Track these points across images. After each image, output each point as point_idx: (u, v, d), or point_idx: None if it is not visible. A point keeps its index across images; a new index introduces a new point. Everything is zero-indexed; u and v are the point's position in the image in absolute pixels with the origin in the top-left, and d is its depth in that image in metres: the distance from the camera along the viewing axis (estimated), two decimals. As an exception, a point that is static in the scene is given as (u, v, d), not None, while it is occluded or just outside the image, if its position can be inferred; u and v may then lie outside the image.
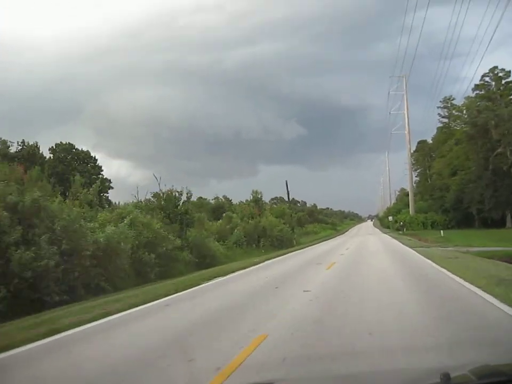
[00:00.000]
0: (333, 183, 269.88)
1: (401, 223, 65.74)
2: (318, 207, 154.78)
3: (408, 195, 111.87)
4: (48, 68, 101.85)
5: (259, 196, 53.53)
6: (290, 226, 55.24)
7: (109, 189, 51.01)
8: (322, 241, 59.36)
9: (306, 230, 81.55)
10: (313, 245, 50.63)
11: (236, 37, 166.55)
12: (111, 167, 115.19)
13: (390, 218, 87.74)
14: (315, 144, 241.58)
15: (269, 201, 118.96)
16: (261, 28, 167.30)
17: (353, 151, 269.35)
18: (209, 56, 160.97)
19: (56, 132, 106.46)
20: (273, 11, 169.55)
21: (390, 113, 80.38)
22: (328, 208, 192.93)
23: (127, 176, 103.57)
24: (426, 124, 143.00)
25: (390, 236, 56.79)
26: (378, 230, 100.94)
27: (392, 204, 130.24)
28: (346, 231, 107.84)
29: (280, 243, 45.60)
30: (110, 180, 51.99)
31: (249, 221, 43.19)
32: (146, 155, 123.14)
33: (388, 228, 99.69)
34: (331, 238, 68.45)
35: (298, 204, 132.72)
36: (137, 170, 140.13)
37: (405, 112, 75.08)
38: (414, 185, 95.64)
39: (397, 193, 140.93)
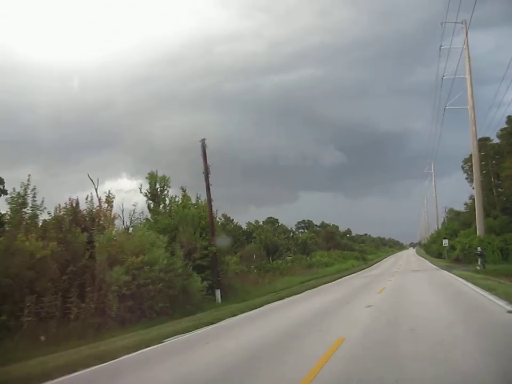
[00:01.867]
0: (372, 210, 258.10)
1: (479, 250, 34.42)
2: (352, 233, 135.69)
3: (459, 215, 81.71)
4: (89, 94, 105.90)
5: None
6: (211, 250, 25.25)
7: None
8: (320, 285, 30.65)
9: (311, 261, 52.35)
10: (288, 297, 23.66)
11: (273, 63, 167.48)
12: None
13: (445, 242, 57.30)
14: (354, 170, 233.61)
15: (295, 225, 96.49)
16: (299, 54, 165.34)
17: (394, 177, 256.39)
18: (246, 82, 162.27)
19: (95, 160, 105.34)
20: (311, 38, 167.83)
21: (442, 77, 50.71)
22: (366, 234, 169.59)
23: None
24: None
25: (465, 280, 25.24)
26: (424, 260, 70.81)
27: (439, 227, 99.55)
28: (378, 262, 77.90)
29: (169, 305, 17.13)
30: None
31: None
32: (184, 181, 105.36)
33: (439, 256, 69.46)
34: (344, 276, 39.66)
35: (316, 227, 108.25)
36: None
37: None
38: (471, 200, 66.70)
39: (445, 215, 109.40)
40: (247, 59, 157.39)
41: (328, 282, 32.26)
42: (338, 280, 35.39)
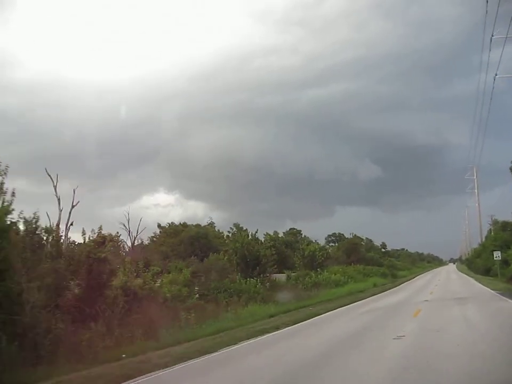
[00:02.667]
0: (410, 224, 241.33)
1: None
2: (388, 247, 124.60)
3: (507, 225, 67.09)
4: (127, 110, 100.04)
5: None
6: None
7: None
8: (274, 331, 17.54)
9: (316, 279, 39.48)
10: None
11: (308, 77, 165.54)
12: (187, 209, 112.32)
13: (496, 255, 43.56)
14: (391, 185, 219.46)
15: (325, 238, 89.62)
16: (334, 68, 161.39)
17: (432, 191, 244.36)
18: (281, 96, 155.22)
19: (132, 175, 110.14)
20: (346, 52, 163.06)
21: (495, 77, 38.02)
22: (403, 249, 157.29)
23: (204, 217, 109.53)
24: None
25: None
26: (469, 277, 57.03)
27: (483, 240, 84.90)
28: (410, 280, 64.16)
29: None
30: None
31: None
32: (221, 196, 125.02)
33: (486, 273, 55.43)
34: (342, 307, 26.36)
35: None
36: (213, 212, 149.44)
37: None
38: None
39: (490, 226, 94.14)
40: (283, 73, 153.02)
41: (294, 324, 18.88)
42: (321, 316, 21.93)
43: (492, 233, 74.42)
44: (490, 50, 40.06)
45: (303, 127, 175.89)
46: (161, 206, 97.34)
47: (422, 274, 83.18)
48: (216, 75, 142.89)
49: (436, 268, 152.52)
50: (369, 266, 64.29)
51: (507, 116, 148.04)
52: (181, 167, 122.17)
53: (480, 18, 71.76)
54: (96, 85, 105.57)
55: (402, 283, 55.14)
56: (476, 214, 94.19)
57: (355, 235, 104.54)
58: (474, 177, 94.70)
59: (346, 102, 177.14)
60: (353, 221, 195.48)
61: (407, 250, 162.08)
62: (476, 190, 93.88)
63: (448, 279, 58.29)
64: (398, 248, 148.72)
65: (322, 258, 47.05)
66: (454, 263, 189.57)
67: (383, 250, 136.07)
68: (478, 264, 71.24)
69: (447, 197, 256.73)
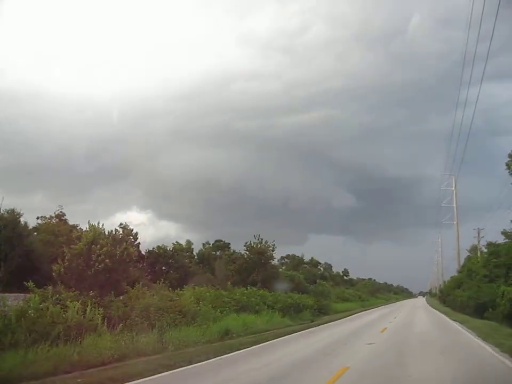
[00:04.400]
0: (381, 255, 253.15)
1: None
2: (354, 276, 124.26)
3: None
4: (105, 126, 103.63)
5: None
6: None
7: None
8: None
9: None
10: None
11: (290, 104, 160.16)
12: (160, 228, 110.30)
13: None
14: (365, 215, 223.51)
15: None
16: (316, 96, 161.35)
17: (405, 223, 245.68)
18: (261, 121, 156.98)
19: (105, 192, 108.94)
20: (330, 81, 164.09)
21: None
22: (370, 278, 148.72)
23: (176, 238, 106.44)
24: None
25: None
26: (448, 319, 31.70)
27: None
28: (335, 322, 37.15)
29: None
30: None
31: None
32: (196, 218, 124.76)
33: (478, 314, 29.93)
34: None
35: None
36: (187, 233, 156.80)
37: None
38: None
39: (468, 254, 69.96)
40: (265, 99, 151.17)
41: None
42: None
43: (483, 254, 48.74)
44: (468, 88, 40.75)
45: (281, 153, 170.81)
46: (133, 225, 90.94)
47: (374, 310, 56.35)
48: (197, 96, 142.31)
49: (402, 301, 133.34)
50: (282, 292, 37.45)
51: (481, 154, 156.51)
52: (155, 186, 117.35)
53: (459, 55, 57.53)
54: (76, 99, 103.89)
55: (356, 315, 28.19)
56: (448, 245, 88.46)
57: (312, 258, 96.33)
58: (453, 188, 71.41)
59: (325, 131, 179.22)
60: (325, 249, 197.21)
61: (374, 280, 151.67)
62: (455, 214, 71.18)
63: (411, 322, 31.57)
64: (365, 278, 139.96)
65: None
66: (424, 296, 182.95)
67: (344, 278, 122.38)
68: (459, 298, 45.44)
69: (420, 230, 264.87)
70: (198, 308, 22.20)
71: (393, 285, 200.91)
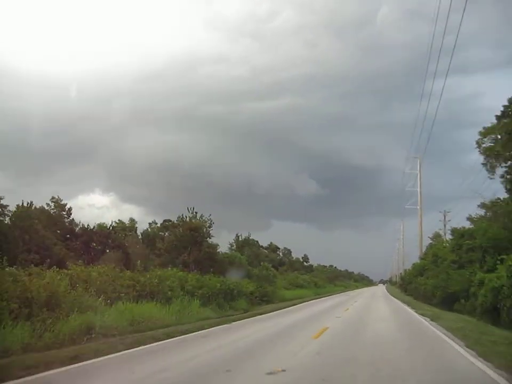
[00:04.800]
0: (343, 243, 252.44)
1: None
2: (314, 262, 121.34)
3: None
4: (68, 105, 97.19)
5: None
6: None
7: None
8: None
9: None
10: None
11: (257, 89, 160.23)
12: (123, 212, 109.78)
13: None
14: (329, 203, 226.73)
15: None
16: (284, 83, 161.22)
17: (368, 212, 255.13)
18: (228, 106, 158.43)
19: (69, 172, 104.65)
20: (298, 68, 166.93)
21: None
22: (331, 266, 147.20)
23: (139, 222, 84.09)
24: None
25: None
26: (411, 311, 25.89)
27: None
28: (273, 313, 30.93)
29: None
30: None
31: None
32: (157, 201, 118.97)
33: (446, 306, 24.25)
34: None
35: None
36: (148, 216, 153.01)
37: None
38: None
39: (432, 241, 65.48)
40: (231, 83, 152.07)
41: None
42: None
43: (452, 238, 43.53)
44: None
45: (247, 139, 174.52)
46: (96, 207, 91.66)
47: (325, 298, 50.63)
48: (162, 79, 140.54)
49: (362, 288, 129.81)
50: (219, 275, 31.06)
51: (442, 146, 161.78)
52: (118, 168, 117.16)
53: (427, 47, 74.16)
54: (40, 77, 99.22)
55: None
56: (411, 233, 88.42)
57: (271, 243, 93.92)
58: (417, 171, 67.17)
59: (292, 118, 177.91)
60: (288, 236, 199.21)
61: (335, 267, 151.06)
62: (418, 191, 67.56)
63: (365, 320, 24.74)
64: (326, 265, 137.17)
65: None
66: (384, 284, 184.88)
67: (304, 264, 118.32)
68: (422, 286, 40.10)
69: (383, 218, 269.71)
70: (68, 293, 15.63)
71: (354, 272, 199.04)
